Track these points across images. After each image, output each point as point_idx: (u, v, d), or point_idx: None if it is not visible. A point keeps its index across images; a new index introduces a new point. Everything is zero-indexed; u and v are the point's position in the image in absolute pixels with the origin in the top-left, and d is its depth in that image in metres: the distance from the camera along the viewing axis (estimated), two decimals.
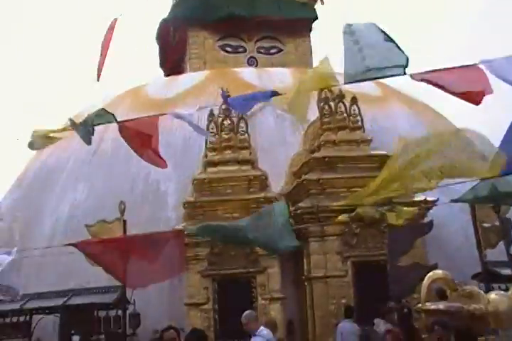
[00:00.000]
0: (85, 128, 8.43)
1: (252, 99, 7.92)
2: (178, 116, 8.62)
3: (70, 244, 7.67)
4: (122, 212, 11.23)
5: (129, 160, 13.55)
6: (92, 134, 8.44)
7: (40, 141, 8.15)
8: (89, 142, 8.35)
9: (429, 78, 6.67)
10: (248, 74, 16.14)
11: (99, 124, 8.72)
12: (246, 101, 7.92)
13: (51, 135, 9.03)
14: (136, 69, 45.36)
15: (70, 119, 8.54)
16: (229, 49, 20.08)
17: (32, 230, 13.22)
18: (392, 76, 6.44)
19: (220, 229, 8.16)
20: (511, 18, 41.90)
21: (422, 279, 7.35)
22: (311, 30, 21.24)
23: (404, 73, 6.30)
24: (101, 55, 20.24)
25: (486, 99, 6.35)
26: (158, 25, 22.07)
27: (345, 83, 6.47)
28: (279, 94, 7.47)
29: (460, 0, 49.07)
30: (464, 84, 6.36)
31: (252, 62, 20.00)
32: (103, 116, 8.62)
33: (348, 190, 11.32)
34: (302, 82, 7.20)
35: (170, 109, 14.19)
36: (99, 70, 19.97)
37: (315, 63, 20.18)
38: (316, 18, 21.13)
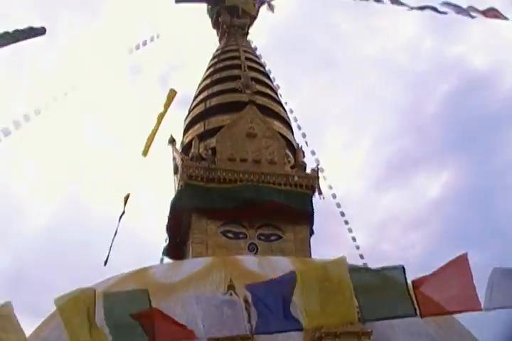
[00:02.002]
0: None
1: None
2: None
3: None
4: None
5: None
6: None
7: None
8: None
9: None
10: (250, 262, 17.43)
11: None
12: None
13: None
14: (141, 247, 46.59)
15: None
16: (230, 235, 21.61)
17: None
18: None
19: None
20: None
21: None
22: (309, 220, 23.02)
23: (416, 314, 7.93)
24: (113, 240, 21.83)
25: None
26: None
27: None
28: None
29: None
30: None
31: (253, 248, 21.42)
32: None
33: None
34: None
35: (175, 294, 15.22)
36: (107, 257, 21.50)
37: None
38: (313, 211, 23.11)
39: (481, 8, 13.51)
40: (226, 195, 21.84)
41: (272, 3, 31.36)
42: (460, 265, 8.21)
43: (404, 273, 8.93)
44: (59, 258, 45.40)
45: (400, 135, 56.83)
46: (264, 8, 31.57)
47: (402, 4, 15.87)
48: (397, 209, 54.40)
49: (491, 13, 12.83)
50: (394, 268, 9.02)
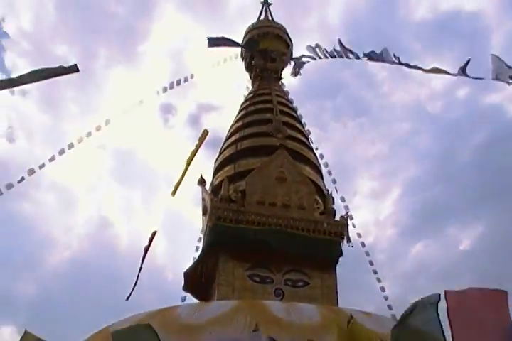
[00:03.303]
0: None
1: None
2: None
3: None
4: None
5: None
6: None
7: None
8: None
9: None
10: (277, 307, 17.71)
11: None
12: None
13: None
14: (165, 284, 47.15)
15: None
16: (257, 279, 21.96)
17: None
18: None
19: None
20: None
21: None
22: (335, 265, 23.39)
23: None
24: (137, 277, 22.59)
25: None
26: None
27: None
28: None
29: None
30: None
31: (279, 293, 21.71)
32: None
33: None
34: None
35: (199, 335, 15.73)
36: (131, 292, 22.26)
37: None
38: (341, 255, 23.41)
39: None
40: (254, 239, 22.32)
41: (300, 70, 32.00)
42: (499, 305, 8.15)
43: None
44: (85, 291, 46.12)
45: (432, 183, 56.91)
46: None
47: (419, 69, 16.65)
48: (427, 259, 54.17)
49: None
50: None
